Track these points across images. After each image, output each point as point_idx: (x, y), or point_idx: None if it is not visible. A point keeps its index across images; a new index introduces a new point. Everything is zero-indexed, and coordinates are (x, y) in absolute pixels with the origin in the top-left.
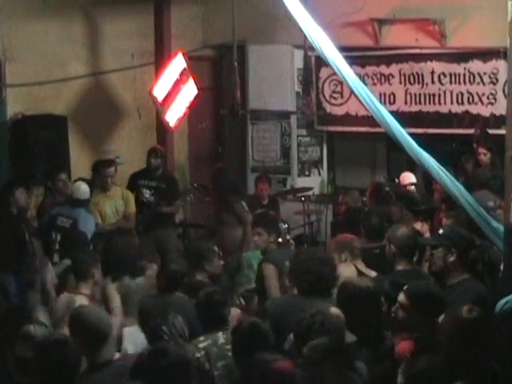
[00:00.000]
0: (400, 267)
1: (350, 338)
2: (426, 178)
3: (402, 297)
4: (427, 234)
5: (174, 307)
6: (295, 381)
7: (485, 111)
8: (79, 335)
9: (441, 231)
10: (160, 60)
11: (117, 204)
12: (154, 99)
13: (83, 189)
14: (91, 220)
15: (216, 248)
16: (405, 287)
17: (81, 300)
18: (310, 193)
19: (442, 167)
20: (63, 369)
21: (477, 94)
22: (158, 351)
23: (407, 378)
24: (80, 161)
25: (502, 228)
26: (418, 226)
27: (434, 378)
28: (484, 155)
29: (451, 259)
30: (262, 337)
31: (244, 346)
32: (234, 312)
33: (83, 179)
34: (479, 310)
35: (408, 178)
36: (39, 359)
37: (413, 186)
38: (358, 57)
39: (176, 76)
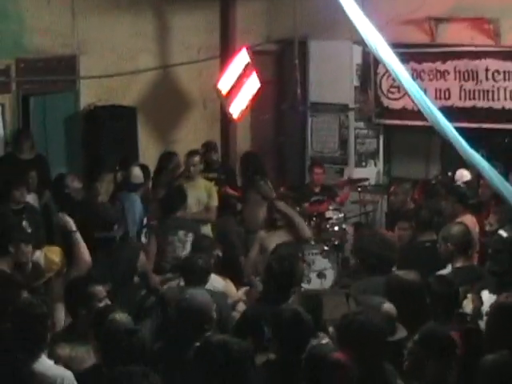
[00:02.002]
0: (458, 264)
1: (403, 333)
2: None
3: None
4: (476, 228)
5: None
6: (350, 373)
7: None
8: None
9: (504, 233)
10: (225, 54)
11: (200, 195)
12: (218, 92)
13: (135, 173)
14: (137, 205)
15: None
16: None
17: None
18: (366, 183)
19: (491, 166)
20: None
21: None
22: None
23: None
24: (148, 150)
25: None
26: (468, 218)
27: None
28: None
29: None
30: (306, 326)
31: (289, 336)
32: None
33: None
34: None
35: (462, 175)
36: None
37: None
38: (415, 53)
39: (240, 70)
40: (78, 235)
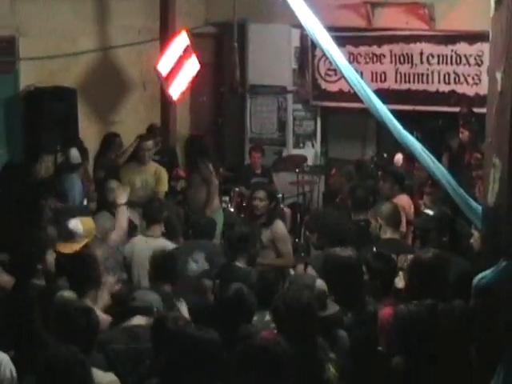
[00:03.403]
0: (386, 236)
1: (333, 308)
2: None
3: None
4: (411, 208)
5: None
6: (278, 353)
7: (470, 91)
8: None
9: (430, 212)
10: (165, 37)
11: (148, 179)
12: (158, 74)
13: (73, 154)
14: (77, 186)
15: None
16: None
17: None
18: (303, 164)
19: (425, 149)
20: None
21: (463, 74)
22: None
23: None
24: (88, 131)
25: (480, 208)
26: (404, 199)
27: None
28: (462, 133)
29: (444, 239)
30: (246, 306)
31: (229, 316)
32: None
33: None
34: (436, 252)
35: (400, 159)
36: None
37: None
38: (352, 37)
39: (180, 52)
40: (124, 208)
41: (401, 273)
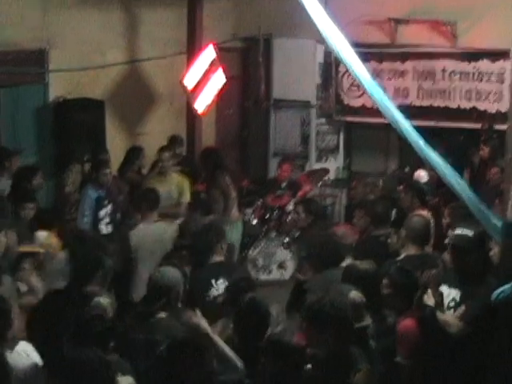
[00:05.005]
0: (411, 252)
1: (368, 320)
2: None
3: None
4: (432, 221)
5: None
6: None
7: (491, 108)
8: None
9: (468, 232)
10: (192, 50)
11: (171, 190)
12: (184, 87)
13: None
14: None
15: None
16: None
17: None
18: (326, 178)
19: (446, 165)
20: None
21: (484, 91)
22: None
23: None
24: (115, 142)
25: (500, 224)
26: (424, 213)
27: None
28: (482, 150)
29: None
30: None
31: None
32: None
33: None
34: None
35: (421, 177)
36: None
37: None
38: (375, 53)
39: (206, 66)
40: None
41: (429, 291)
